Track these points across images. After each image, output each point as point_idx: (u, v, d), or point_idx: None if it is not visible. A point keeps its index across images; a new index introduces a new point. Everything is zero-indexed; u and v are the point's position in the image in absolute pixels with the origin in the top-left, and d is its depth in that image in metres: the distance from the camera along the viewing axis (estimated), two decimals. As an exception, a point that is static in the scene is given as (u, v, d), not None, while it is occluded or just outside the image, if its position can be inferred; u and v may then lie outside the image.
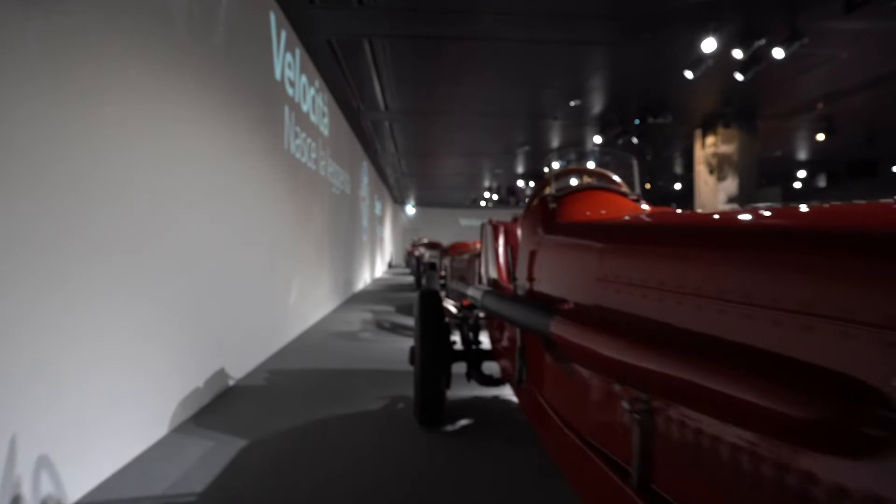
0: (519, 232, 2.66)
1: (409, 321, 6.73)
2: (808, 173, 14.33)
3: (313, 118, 6.58)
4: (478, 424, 2.84)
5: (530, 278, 1.76)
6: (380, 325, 6.38)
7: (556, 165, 2.16)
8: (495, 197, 22.37)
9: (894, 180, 13.47)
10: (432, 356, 2.55)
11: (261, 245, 4.43)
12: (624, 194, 1.82)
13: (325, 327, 6.23)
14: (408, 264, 20.84)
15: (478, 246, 7.99)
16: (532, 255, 1.75)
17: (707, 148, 9.59)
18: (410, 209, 28.99)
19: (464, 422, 2.88)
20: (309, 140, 6.33)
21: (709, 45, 5.23)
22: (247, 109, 4.06)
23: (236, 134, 3.82)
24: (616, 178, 2.01)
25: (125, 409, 2.28)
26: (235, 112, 3.79)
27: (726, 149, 9.22)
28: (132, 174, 2.38)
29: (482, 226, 2.97)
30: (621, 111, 8.85)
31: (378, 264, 17.31)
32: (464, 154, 13.82)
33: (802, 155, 13.15)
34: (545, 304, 1.56)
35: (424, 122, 10.06)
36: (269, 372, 3.97)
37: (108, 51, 2.20)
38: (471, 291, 2.22)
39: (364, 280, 12.87)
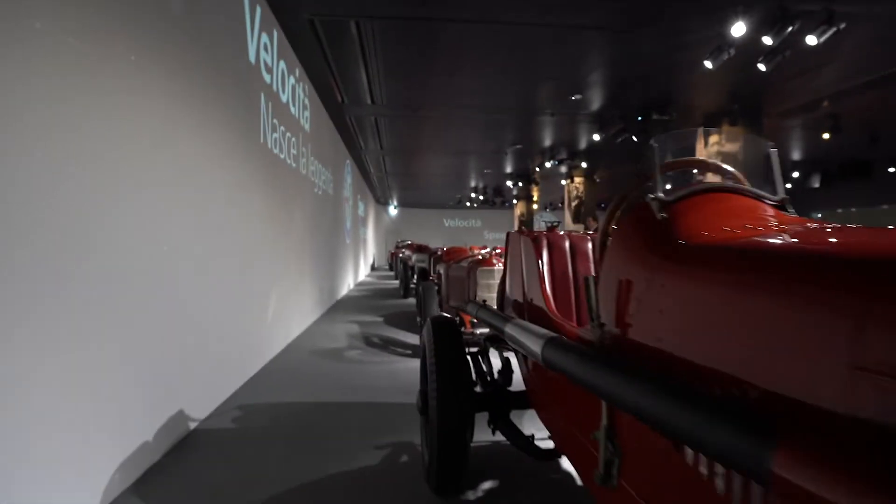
0: (567, 245, 2.07)
1: (400, 335, 6.10)
2: (801, 174, 14.06)
3: (293, 110, 5.91)
4: (507, 488, 2.24)
5: (624, 324, 1.16)
6: (368, 341, 5.74)
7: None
8: (481, 198, 21.85)
9: (889, 181, 13.28)
10: (454, 408, 1.93)
11: (234, 253, 3.76)
12: (760, 197, 1.24)
13: (307, 344, 5.57)
14: (391, 267, 20.14)
15: (475, 251, 7.38)
16: (628, 288, 1.15)
17: (710, 147, 9.14)
18: (393, 210, 28.31)
19: (488, 484, 2.27)
20: (288, 134, 5.66)
21: (738, 29, 4.71)
22: (215, 93, 3.40)
23: (201, 123, 3.16)
24: (730, 169, 1.43)
25: (38, 486, 1.62)
26: (200, 95, 3.13)
27: (731, 148, 8.77)
28: (45, 159, 1.72)
29: (509, 235, 2.36)
30: (623, 107, 8.35)
31: (361, 267, 16.61)
32: (452, 153, 13.23)
33: (799, 154, 12.87)
34: (660, 370, 0.97)
35: (412, 118, 9.42)
36: (240, 409, 3.31)
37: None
38: (515, 332, 1.60)
39: (348, 285, 12.18)
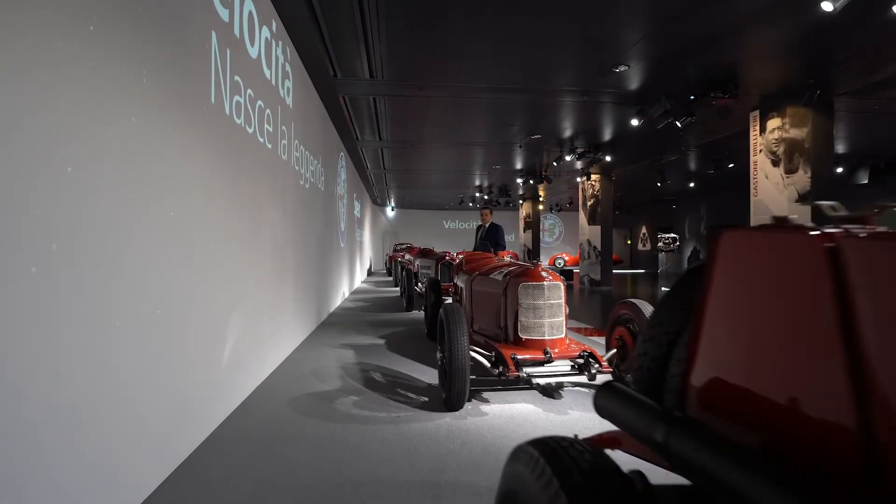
0: None
1: (408, 368, 4.66)
2: (846, 169, 12.69)
3: (268, 74, 4.48)
4: None
5: None
6: (367, 380, 4.30)
7: None
8: (485, 198, 20.43)
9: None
10: None
11: (163, 270, 2.33)
12: None
13: (283, 385, 4.13)
14: (389, 272, 18.58)
15: (503, 257, 5.95)
16: None
17: (769, 133, 7.76)
18: (391, 211, 26.89)
19: None
20: (261, 103, 4.24)
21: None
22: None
23: (80, 50, 1.73)
24: None
25: None
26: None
27: (797, 133, 7.40)
28: None
29: (726, 236, 0.93)
30: (673, 83, 6.94)
31: (357, 273, 15.15)
32: (458, 144, 11.80)
33: (845, 147, 11.53)
34: None
35: (417, 98, 8.00)
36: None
37: None
38: None
39: (342, 294, 10.73)
